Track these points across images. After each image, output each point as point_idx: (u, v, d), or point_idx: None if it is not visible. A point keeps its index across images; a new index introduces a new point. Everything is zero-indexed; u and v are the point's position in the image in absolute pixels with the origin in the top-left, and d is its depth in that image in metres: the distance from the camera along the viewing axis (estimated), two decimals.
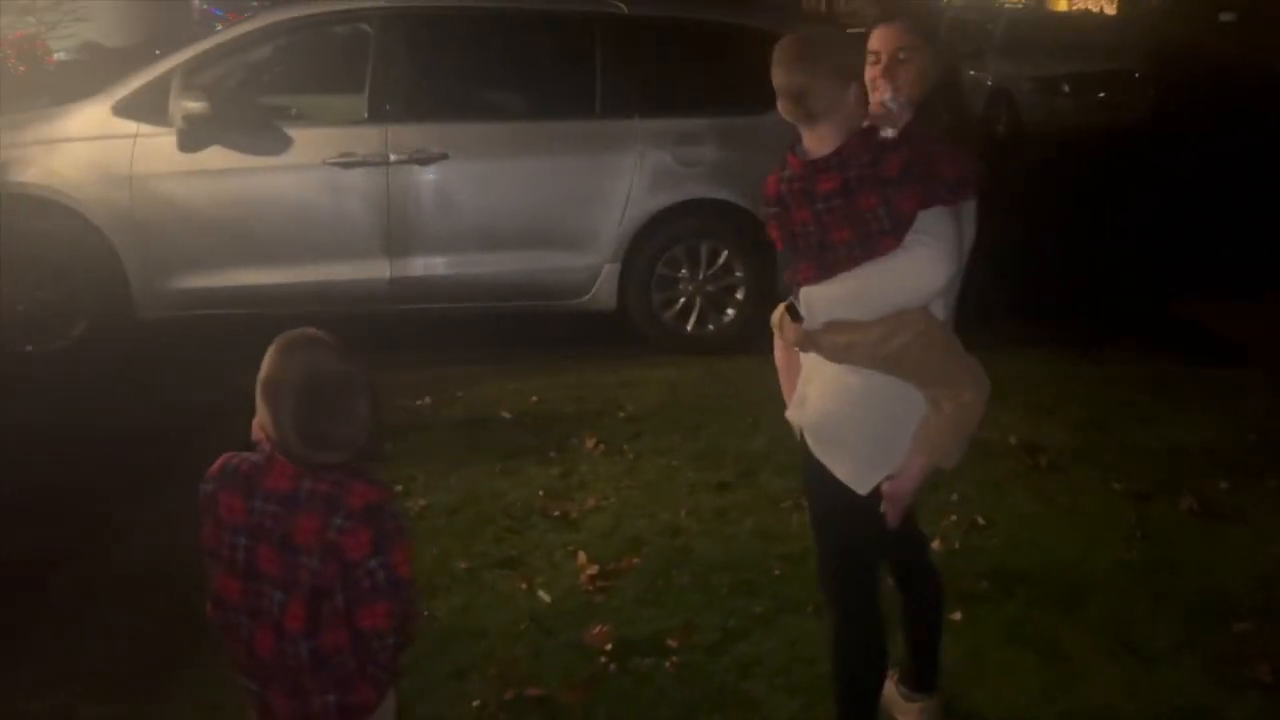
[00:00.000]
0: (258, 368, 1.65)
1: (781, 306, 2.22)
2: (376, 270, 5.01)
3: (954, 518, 3.60)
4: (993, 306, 3.98)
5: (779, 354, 2.33)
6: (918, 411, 2.12)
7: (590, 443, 4.13)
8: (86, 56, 9.74)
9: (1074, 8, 20.34)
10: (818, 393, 2.17)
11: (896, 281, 2.03)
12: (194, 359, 4.86)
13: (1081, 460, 4.00)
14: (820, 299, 2.10)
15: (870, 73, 2.15)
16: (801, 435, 2.23)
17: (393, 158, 4.92)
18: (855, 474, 2.13)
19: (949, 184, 2.05)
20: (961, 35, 12.11)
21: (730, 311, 5.26)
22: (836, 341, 2.09)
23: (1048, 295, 5.91)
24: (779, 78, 2.02)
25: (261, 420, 1.64)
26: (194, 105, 4.67)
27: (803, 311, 2.13)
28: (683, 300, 5.25)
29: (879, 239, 2.01)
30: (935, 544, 3.43)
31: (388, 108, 5.01)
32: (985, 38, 11.95)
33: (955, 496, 3.76)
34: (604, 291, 5.14)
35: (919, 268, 2.02)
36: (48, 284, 4.87)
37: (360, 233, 4.98)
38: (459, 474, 3.86)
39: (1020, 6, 17.16)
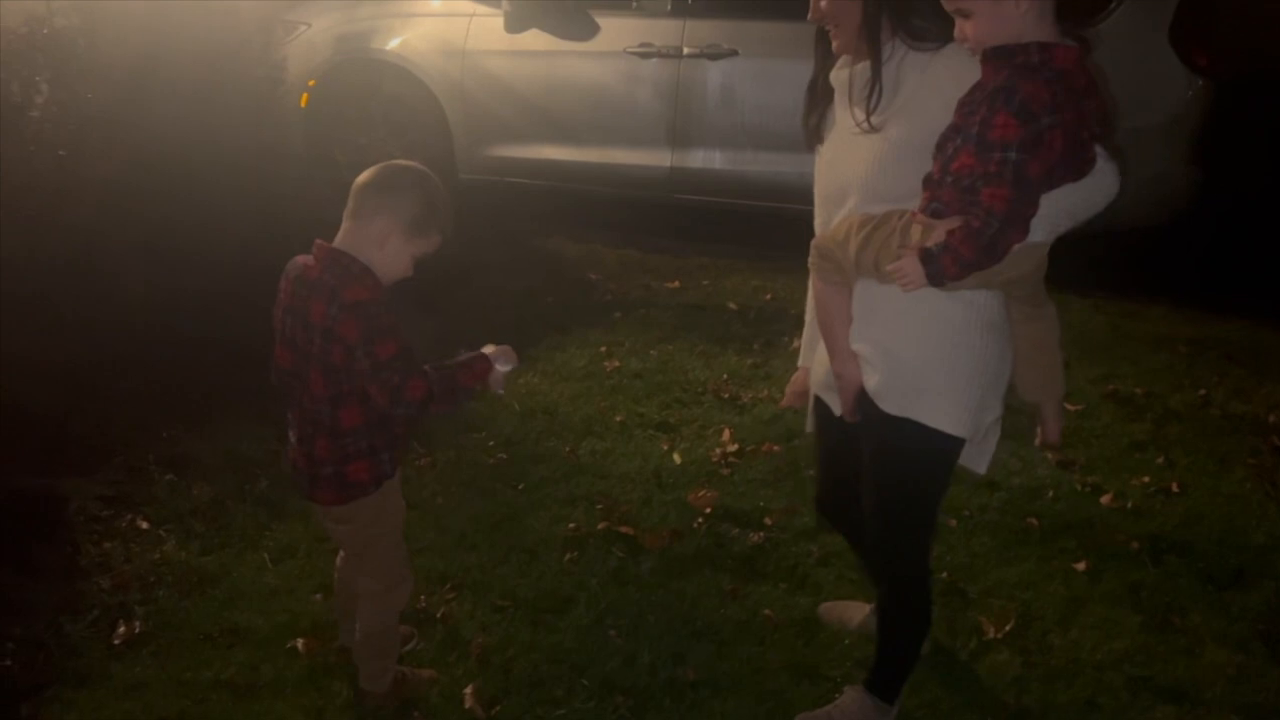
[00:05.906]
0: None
1: (846, 230, 1.98)
2: (658, 158, 5.32)
3: (1146, 479, 3.32)
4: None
5: (825, 297, 2.09)
6: (1001, 335, 1.99)
7: (797, 342, 4.19)
8: None
9: None
10: (896, 336, 1.97)
11: (1097, 192, 1.85)
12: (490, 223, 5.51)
13: None
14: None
15: None
16: (863, 400, 2.04)
17: (686, 50, 5.16)
18: (957, 417, 1.95)
19: None
20: None
21: None
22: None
23: None
24: None
25: None
26: None
27: None
28: None
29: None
30: (1106, 499, 3.21)
31: (689, 1, 5.24)
32: None
33: (1162, 460, 3.45)
34: None
35: (1107, 175, 1.85)
36: (391, 140, 5.71)
37: (647, 121, 5.30)
38: (662, 348, 4.13)
39: None
